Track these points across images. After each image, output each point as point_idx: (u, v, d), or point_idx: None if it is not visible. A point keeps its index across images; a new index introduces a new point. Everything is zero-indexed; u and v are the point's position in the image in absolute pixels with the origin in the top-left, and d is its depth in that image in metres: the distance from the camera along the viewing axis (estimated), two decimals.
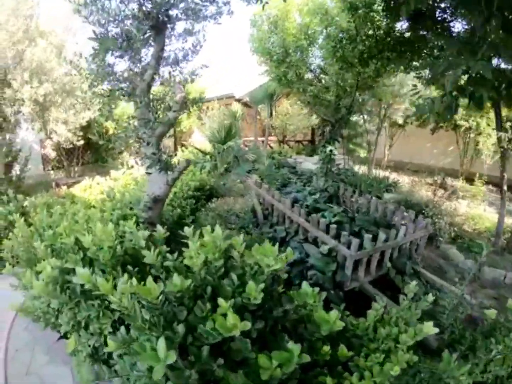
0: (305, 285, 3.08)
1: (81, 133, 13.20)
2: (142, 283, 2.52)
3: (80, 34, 11.52)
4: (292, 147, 23.29)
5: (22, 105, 10.30)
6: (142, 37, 4.50)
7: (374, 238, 5.99)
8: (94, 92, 5.12)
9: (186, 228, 3.33)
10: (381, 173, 14.19)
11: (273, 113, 21.84)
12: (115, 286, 2.63)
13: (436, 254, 8.06)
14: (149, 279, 2.51)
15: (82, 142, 13.99)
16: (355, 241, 5.53)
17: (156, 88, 5.58)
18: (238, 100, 20.96)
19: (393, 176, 14.69)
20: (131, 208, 6.34)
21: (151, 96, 5.08)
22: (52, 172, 19.51)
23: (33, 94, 9.89)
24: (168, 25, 4.86)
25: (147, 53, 5.00)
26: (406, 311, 3.43)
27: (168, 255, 3.34)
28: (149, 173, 5.10)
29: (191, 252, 2.91)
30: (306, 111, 19.10)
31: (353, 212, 7.79)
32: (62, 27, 11.25)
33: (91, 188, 11.67)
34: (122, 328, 2.72)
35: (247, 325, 2.33)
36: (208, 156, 10.19)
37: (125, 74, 4.99)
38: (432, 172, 15.32)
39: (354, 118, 14.64)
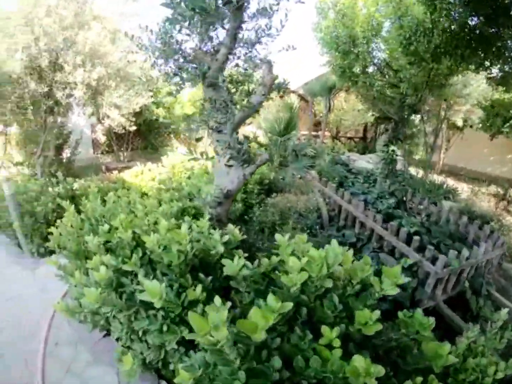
0: (418, 312, 2.67)
1: (133, 119, 12.94)
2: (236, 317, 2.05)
3: (134, 21, 11.12)
4: (344, 143, 22.56)
5: (74, 89, 9.96)
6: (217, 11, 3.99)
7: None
8: (160, 71, 4.64)
9: (278, 235, 3.01)
10: (437, 178, 13.40)
11: (331, 107, 20.94)
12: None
13: (499, 274, 7.30)
14: (256, 311, 2.01)
15: (134, 127, 13.66)
16: (442, 258, 4.96)
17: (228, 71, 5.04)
18: (293, 92, 20.22)
19: (450, 182, 13.86)
20: (190, 200, 5.90)
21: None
22: (101, 156, 19.61)
23: (86, 78, 9.58)
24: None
25: (218, 32, 4.50)
26: (493, 341, 3.08)
27: (247, 263, 2.89)
28: (229, 166, 4.51)
29: (290, 267, 2.48)
30: (361, 107, 18.37)
31: (422, 221, 7.12)
32: (117, 13, 10.85)
33: (142, 174, 11.33)
34: (198, 355, 2.28)
35: (381, 371, 1.86)
36: (263, 148, 9.69)
37: (193, 53, 4.50)
38: (493, 181, 14.42)
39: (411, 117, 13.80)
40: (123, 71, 10.94)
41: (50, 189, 8.37)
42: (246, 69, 4.60)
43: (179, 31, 4.28)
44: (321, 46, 11.18)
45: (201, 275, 3.05)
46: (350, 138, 23.62)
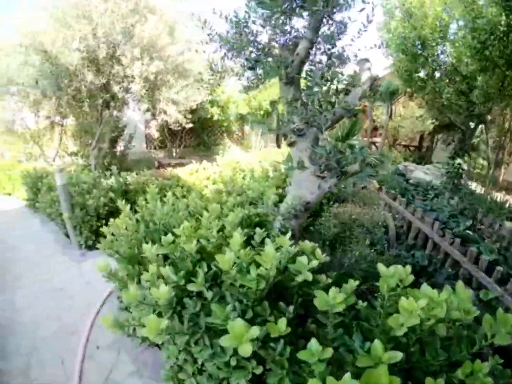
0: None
1: (190, 116, 12.69)
2: None
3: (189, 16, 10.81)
4: (400, 152, 21.71)
5: (132, 82, 9.81)
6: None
7: None
8: (234, 63, 4.21)
9: (380, 265, 2.65)
10: (498, 195, 12.49)
11: (393, 113, 20.03)
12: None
13: None
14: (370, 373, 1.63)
15: (190, 125, 13.44)
16: None
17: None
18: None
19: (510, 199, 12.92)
20: (251, 203, 5.41)
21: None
22: (154, 151, 19.66)
23: (143, 71, 9.41)
24: None
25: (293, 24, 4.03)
26: None
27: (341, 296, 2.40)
28: (322, 177, 3.73)
29: (402, 308, 2.12)
30: (419, 114, 17.61)
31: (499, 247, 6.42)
32: (173, 8, 10.60)
33: (197, 173, 11.05)
34: None
35: None
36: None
37: (269, 46, 4.03)
38: None
39: None
40: (181, 67, 10.75)
41: (103, 182, 8.25)
42: (329, 66, 4.01)
43: (253, 21, 3.86)
44: (387, 48, 10.57)
45: (282, 304, 2.67)
46: (405, 146, 22.68)
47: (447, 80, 10.50)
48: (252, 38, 3.84)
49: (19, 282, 6.32)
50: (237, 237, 2.87)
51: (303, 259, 2.73)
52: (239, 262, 2.70)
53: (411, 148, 22.65)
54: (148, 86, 9.97)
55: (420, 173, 14.72)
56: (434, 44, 9.42)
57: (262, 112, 18.21)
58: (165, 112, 11.02)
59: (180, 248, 3.14)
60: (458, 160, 9.23)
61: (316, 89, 3.56)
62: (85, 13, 8.68)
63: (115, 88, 9.53)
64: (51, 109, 10.64)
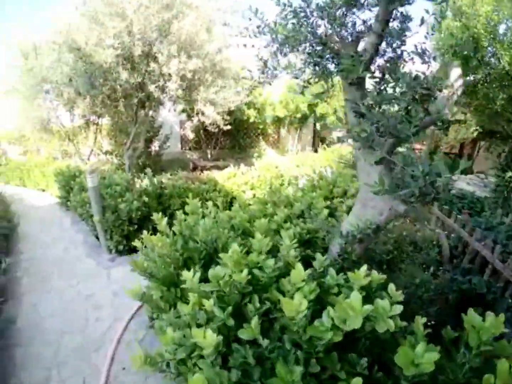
0: None
1: (228, 117, 12.11)
2: None
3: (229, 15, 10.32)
4: (439, 160, 20.73)
5: (168, 81, 9.32)
6: None
7: None
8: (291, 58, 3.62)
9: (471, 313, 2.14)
10: None
11: None
12: None
13: None
14: None
15: (228, 127, 12.75)
16: None
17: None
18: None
19: None
20: (299, 216, 4.83)
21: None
22: (188, 151, 19.43)
23: (180, 69, 8.95)
24: None
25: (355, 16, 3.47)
26: None
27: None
28: (411, 203, 2.93)
29: None
30: (464, 120, 16.77)
31: None
32: (209, 4, 10.00)
33: (235, 177, 10.58)
34: None
35: None
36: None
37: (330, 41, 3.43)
38: None
39: None
40: (219, 65, 10.29)
41: (137, 184, 7.92)
42: (394, 63, 3.35)
43: (311, 12, 3.30)
44: (437, 50, 9.79)
45: (353, 356, 2.19)
46: (445, 154, 21.74)
47: (499, 85, 9.73)
48: (311, 30, 3.29)
49: (46, 285, 6.16)
50: (300, 271, 2.39)
51: (384, 304, 2.21)
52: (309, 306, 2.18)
53: (451, 156, 21.71)
54: (185, 85, 9.51)
55: (462, 183, 13.96)
56: (486, 45, 8.66)
57: (299, 115, 17.71)
58: (202, 113, 10.49)
59: (229, 282, 2.57)
60: (510, 174, 8.50)
61: (401, 91, 2.90)
62: (118, 9, 8.30)
63: (151, 87, 9.06)
64: (86, 108, 10.34)
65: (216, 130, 13.36)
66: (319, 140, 21.58)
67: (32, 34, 12.04)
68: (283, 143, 21.29)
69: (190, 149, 20.00)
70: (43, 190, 13.42)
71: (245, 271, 2.51)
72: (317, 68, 3.47)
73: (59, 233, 8.68)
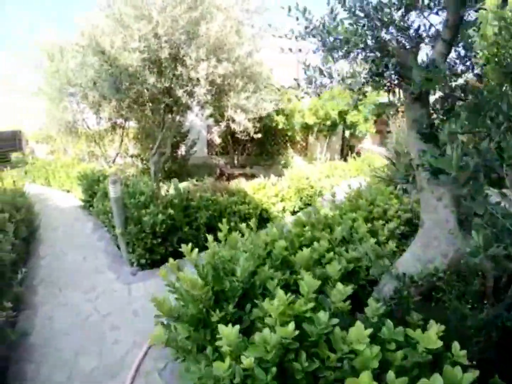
0: None
1: (258, 124, 11.47)
2: None
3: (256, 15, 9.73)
4: None
5: (197, 86, 8.75)
6: None
7: None
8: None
9: None
10: None
11: None
12: None
13: None
14: None
15: (259, 135, 12.12)
16: None
17: None
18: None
19: None
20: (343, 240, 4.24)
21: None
22: (215, 157, 19.13)
23: (210, 74, 8.43)
24: None
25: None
26: None
27: None
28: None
29: None
30: None
31: None
32: (238, 7, 9.36)
33: (265, 189, 10.09)
34: None
35: None
36: (398, 171, 8.17)
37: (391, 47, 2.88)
38: None
39: None
40: (250, 70, 9.83)
41: (162, 190, 7.52)
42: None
43: (367, 14, 2.77)
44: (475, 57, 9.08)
45: None
46: None
47: None
48: (372, 33, 2.75)
49: (63, 297, 5.87)
50: (360, 330, 1.94)
51: (457, 371, 1.72)
52: None
53: None
54: (214, 91, 9.01)
55: (496, 199, 13.13)
56: None
57: (329, 123, 17.16)
58: (233, 120, 9.87)
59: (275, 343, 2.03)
60: None
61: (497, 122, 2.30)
62: (144, 11, 7.87)
63: (179, 92, 8.58)
64: (112, 111, 10.00)
65: (246, 138, 12.48)
66: (348, 148, 20.97)
67: (58, 36, 11.89)
68: (311, 151, 20.76)
69: (216, 154, 19.58)
70: (68, 191, 13.27)
71: (292, 325, 2.04)
72: (378, 78, 2.90)
73: (80, 239, 8.39)
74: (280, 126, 16.72)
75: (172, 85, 8.62)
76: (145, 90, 8.91)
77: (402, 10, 2.82)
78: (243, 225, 4.10)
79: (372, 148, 20.58)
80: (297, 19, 3.00)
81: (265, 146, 18.19)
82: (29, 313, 5.35)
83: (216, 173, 15.40)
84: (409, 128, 2.87)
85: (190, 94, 8.69)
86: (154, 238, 6.61)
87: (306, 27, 2.98)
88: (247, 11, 9.25)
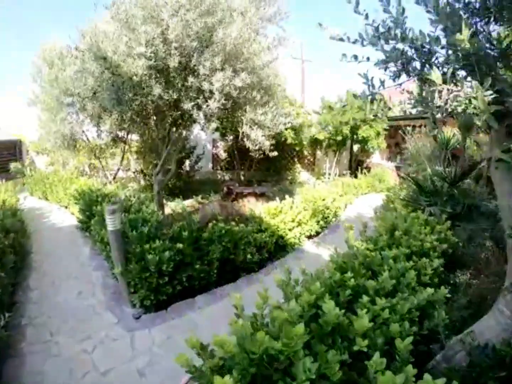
0: None
1: (273, 141, 9.96)
2: None
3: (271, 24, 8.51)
4: None
5: (209, 98, 7.26)
6: None
7: None
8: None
9: None
10: None
11: None
12: None
13: None
14: None
15: (275, 153, 9.91)
16: None
17: None
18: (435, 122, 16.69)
19: None
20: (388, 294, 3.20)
21: None
22: (220, 171, 18.46)
23: (225, 86, 7.08)
24: None
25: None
26: None
27: None
28: None
29: None
30: None
31: None
32: (255, 12, 7.94)
33: (281, 213, 8.79)
34: None
35: None
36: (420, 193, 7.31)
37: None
38: None
39: None
40: (266, 82, 8.45)
41: (167, 207, 6.42)
42: None
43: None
44: None
45: None
46: None
47: None
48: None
49: (54, 345, 4.85)
50: None
51: None
52: None
53: None
54: (229, 105, 7.74)
55: None
56: None
57: (340, 138, 16.18)
58: (248, 137, 8.30)
59: None
60: None
61: None
62: (153, 13, 6.64)
63: (188, 105, 7.35)
64: (113, 124, 8.84)
65: (261, 156, 10.82)
66: (355, 163, 20.04)
67: (61, 40, 10.89)
68: (319, 166, 19.86)
69: (221, 169, 18.84)
70: (66, 207, 12.36)
71: None
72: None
73: (75, 268, 7.37)
74: (288, 141, 15.71)
75: (181, 97, 7.41)
76: (150, 102, 7.69)
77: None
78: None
79: (381, 163, 19.78)
80: (367, 17, 2.31)
81: (272, 161, 17.20)
82: (17, 364, 4.41)
83: (223, 190, 14.28)
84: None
85: (199, 108, 7.43)
86: (160, 277, 5.47)
87: (388, 29, 2.07)
88: (261, 19, 8.02)
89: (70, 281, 6.75)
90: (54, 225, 10.57)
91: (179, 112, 7.77)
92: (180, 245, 5.60)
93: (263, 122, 7.89)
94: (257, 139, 7.90)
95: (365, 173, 16.70)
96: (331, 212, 10.64)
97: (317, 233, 9.74)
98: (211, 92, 7.14)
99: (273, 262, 7.81)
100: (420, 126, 14.40)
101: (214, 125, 8.80)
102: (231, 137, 15.32)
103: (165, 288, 5.59)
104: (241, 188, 13.20)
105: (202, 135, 15.76)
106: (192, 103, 7.24)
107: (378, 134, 16.54)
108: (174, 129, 9.08)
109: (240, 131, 8.18)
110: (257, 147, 8.20)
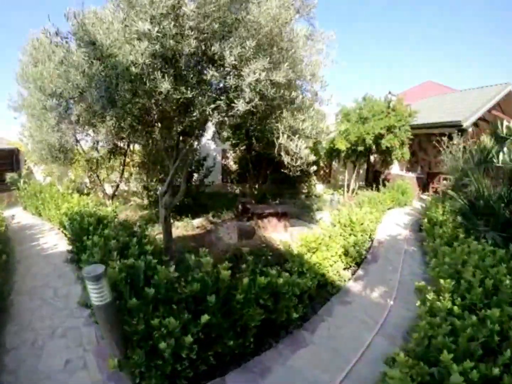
0: None
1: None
2: None
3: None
4: None
5: (236, 98, 4.92)
6: None
7: None
8: None
9: None
10: None
11: None
12: None
13: None
14: None
15: (315, 167, 7.68)
16: None
17: None
18: (462, 131, 14.70)
19: None
20: None
21: None
22: (230, 184, 17.22)
23: (260, 82, 4.58)
24: None
25: None
26: None
27: None
28: None
29: None
30: None
31: None
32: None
33: (321, 245, 6.69)
34: None
35: None
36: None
37: None
38: None
39: None
40: (305, 79, 6.17)
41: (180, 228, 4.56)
42: None
43: None
44: None
45: None
46: None
47: None
48: None
49: None
50: None
51: None
52: None
53: None
54: (263, 107, 5.65)
55: None
56: None
57: (362, 149, 14.27)
58: (286, 151, 5.89)
59: None
60: None
61: None
62: None
63: (208, 108, 5.14)
64: (109, 133, 6.78)
65: (298, 173, 8.08)
66: (372, 174, 18.15)
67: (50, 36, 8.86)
68: (335, 177, 18.06)
69: (232, 181, 17.08)
70: (59, 228, 10.35)
71: None
72: None
73: (63, 319, 5.41)
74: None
75: (195, 97, 5.23)
76: (153, 105, 5.55)
77: None
78: None
79: (401, 173, 17.96)
80: None
81: (288, 174, 15.35)
82: None
83: (237, 208, 12.21)
84: None
85: (223, 111, 5.30)
86: (176, 362, 3.44)
87: None
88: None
89: (56, 340, 4.81)
90: (44, 250, 8.76)
91: (194, 117, 5.52)
92: (206, 318, 3.51)
93: (305, 130, 5.73)
94: (299, 152, 5.65)
95: (389, 188, 14.76)
96: (367, 236, 8.59)
97: (358, 266, 7.65)
98: (236, 89, 5.05)
99: (316, 312, 5.66)
100: (441, 135, 12.74)
101: (225, 133, 6.65)
102: (243, 147, 13.47)
103: (184, 373, 3.55)
104: (261, 207, 10.93)
105: (212, 145, 14.06)
106: (213, 105, 5.14)
107: (402, 143, 14.58)
108: (182, 138, 7.04)
109: (276, 142, 5.84)
110: (297, 163, 5.93)
